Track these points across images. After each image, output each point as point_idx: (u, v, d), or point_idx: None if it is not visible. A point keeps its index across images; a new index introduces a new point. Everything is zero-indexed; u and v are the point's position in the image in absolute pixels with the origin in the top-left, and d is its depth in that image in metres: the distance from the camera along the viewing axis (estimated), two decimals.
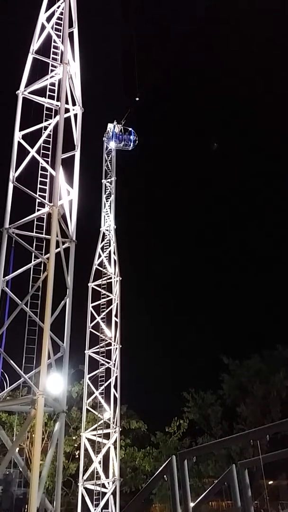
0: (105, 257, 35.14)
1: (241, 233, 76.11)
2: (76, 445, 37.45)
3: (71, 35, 24.02)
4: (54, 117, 22.49)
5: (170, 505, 22.33)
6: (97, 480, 30.34)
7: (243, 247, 73.09)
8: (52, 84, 23.05)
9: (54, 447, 19.07)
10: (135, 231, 57.00)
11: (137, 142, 38.23)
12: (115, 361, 32.66)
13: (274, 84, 58.95)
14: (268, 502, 35.24)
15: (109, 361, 32.59)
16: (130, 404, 41.67)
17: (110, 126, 38.00)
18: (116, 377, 32.30)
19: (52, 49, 23.56)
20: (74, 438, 37.90)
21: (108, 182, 37.10)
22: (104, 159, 37.60)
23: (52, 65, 23.26)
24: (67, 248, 21.28)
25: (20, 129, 22.52)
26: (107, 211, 36.34)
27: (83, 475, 30.69)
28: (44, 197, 21.37)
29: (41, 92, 23.01)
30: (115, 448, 31.26)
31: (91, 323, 33.33)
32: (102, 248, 35.38)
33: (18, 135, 22.34)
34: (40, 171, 21.93)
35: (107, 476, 30.80)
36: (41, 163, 21.92)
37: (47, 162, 21.92)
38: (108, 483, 30.53)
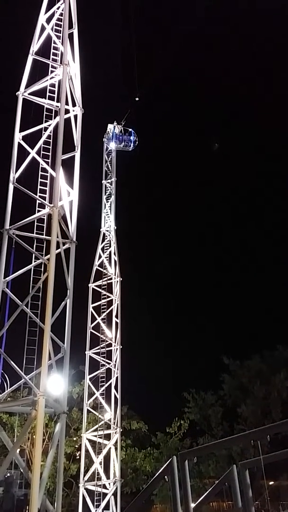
0: (106, 257, 35.15)
1: (242, 233, 76.16)
2: (77, 446, 37.46)
3: (71, 36, 24.01)
4: (54, 118, 22.48)
5: (171, 505, 22.32)
6: (98, 481, 30.34)
7: (244, 247, 73.20)
8: (52, 85, 23.05)
9: (55, 448, 19.05)
10: (135, 231, 57.07)
11: (137, 142, 38.24)
12: (115, 361, 32.66)
13: (274, 84, 58.97)
14: (269, 502, 35.25)
15: (109, 361, 32.59)
16: (130, 405, 41.73)
17: (110, 126, 38.00)
18: (117, 377, 32.29)
19: (52, 50, 23.55)
20: (75, 439, 37.91)
21: (108, 182, 37.11)
22: (104, 160, 37.60)
23: (52, 66, 23.26)
24: (67, 249, 21.27)
25: (20, 130, 22.51)
26: (107, 212, 36.34)
27: (84, 476, 30.69)
28: (44, 198, 21.37)
29: (41, 93, 23.01)
30: (116, 448, 31.26)
31: (91, 323, 33.33)
32: (102, 249, 35.38)
33: (18, 136, 22.34)
34: (40, 172, 21.92)
35: (108, 477, 30.80)
36: (41, 164, 21.91)
37: (47, 163, 21.91)
38: (109, 484, 30.53)
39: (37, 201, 21.36)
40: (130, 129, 38.20)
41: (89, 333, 33.13)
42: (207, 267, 70.33)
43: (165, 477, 22.18)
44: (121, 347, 32.96)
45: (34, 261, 20.82)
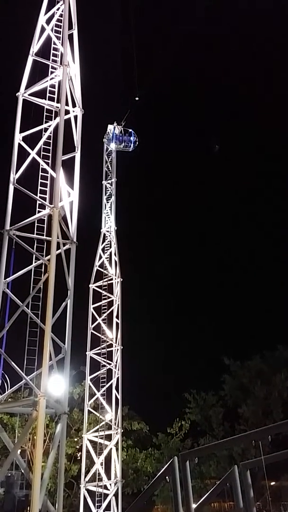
0: (106, 258, 35.15)
1: (242, 233, 76.16)
2: (78, 446, 37.43)
3: (70, 36, 24.02)
4: (54, 119, 22.48)
5: (172, 506, 22.33)
6: (99, 481, 30.33)
7: (244, 247, 73.09)
8: (52, 86, 23.05)
9: (55, 449, 19.04)
10: (135, 232, 57.05)
11: (137, 143, 38.26)
12: (116, 362, 32.65)
13: (274, 84, 58.97)
14: (270, 503, 35.21)
15: (110, 362, 32.58)
16: (131, 405, 41.65)
17: (110, 127, 38.00)
18: (118, 378, 32.28)
19: (52, 51, 23.56)
20: (75, 439, 37.87)
21: (108, 183, 37.11)
22: (104, 161, 37.61)
23: (52, 67, 23.26)
24: (67, 249, 21.26)
25: (21, 131, 22.52)
26: (107, 212, 36.35)
27: (85, 476, 30.70)
28: (44, 199, 21.37)
29: (41, 94, 23.01)
30: (117, 449, 31.25)
31: (92, 324, 33.33)
32: (103, 250, 35.38)
33: (18, 137, 22.35)
34: (40, 173, 21.92)
35: (109, 478, 30.78)
36: (42, 165, 21.91)
37: (47, 163, 21.91)
38: (110, 484, 30.51)
39: (38, 202, 21.36)
40: (130, 130, 38.23)
41: (89, 334, 33.13)
42: (207, 267, 70.30)
43: (166, 477, 22.20)
44: (121, 347, 32.96)
45: (35, 262, 20.83)
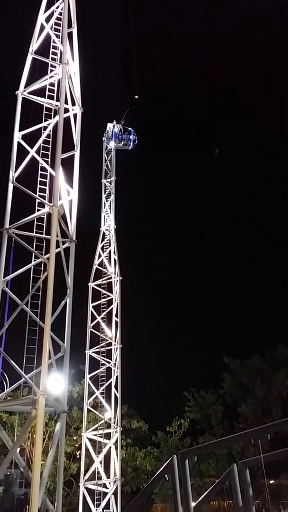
0: (105, 257, 35.16)
1: (242, 232, 76.17)
2: (77, 445, 37.45)
3: (70, 35, 24.00)
4: (54, 117, 22.47)
5: (172, 504, 22.34)
6: (98, 480, 30.36)
7: (244, 246, 73.07)
8: (52, 84, 23.04)
9: (55, 447, 19.05)
10: (135, 230, 57.02)
11: (136, 141, 38.25)
12: (115, 361, 32.68)
13: (274, 84, 58.94)
14: (269, 501, 35.25)
15: (109, 361, 32.60)
16: (131, 404, 41.71)
17: (109, 125, 38.01)
18: (117, 377, 32.31)
19: (51, 49, 23.54)
20: (75, 438, 37.90)
21: (108, 181, 37.11)
22: (104, 159, 37.61)
23: (52, 65, 23.24)
24: (67, 248, 21.26)
25: (20, 129, 22.49)
26: (107, 211, 36.35)
27: (84, 475, 30.72)
28: (44, 197, 21.36)
29: (40, 92, 22.99)
30: (116, 448, 31.28)
31: (91, 323, 33.35)
32: (102, 248, 35.40)
33: (17, 135, 22.33)
34: (40, 171, 21.91)
35: (108, 476, 30.81)
36: (41, 163, 21.90)
37: (46, 162, 21.90)
38: (109, 483, 30.54)
39: (37, 200, 21.35)
40: (129, 128, 38.23)
41: (89, 332, 33.15)
42: (207, 266, 70.26)
43: (166, 476, 22.21)
44: (121, 346, 33.00)
45: (34, 260, 20.82)
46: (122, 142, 37.83)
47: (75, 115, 23.55)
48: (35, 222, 21.17)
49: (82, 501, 30.01)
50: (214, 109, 65.83)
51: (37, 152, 22.04)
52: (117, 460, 31.00)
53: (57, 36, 23.60)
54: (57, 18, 23.85)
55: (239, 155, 69.08)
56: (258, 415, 39.67)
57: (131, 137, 38.01)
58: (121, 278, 34.64)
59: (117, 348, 32.94)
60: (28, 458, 28.28)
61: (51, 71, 23.13)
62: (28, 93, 22.97)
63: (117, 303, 33.97)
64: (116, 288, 34.46)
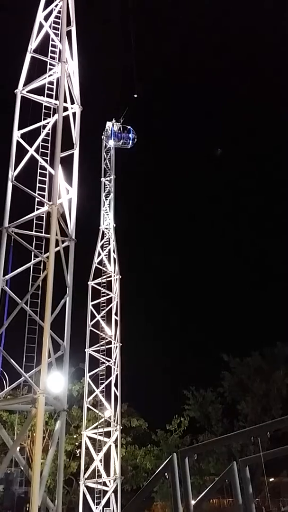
0: (105, 255, 35.14)
1: (242, 230, 76.17)
2: (77, 443, 37.48)
3: (69, 33, 23.95)
4: (53, 116, 22.43)
5: (171, 503, 22.37)
6: (98, 478, 30.38)
7: (244, 244, 73.14)
8: (51, 83, 23.00)
9: (55, 446, 19.07)
10: (134, 229, 57.06)
11: (136, 140, 38.20)
12: (115, 359, 32.68)
13: (274, 83, 58.86)
14: (269, 499, 35.31)
15: (109, 359, 32.61)
16: (130, 402, 41.76)
17: (108, 124, 37.95)
18: (117, 375, 32.32)
19: (50, 48, 23.50)
20: (75, 436, 37.92)
21: (107, 180, 37.08)
22: (103, 158, 37.57)
23: (51, 64, 23.20)
24: (66, 246, 21.25)
25: (19, 128, 22.47)
26: (106, 210, 36.33)
27: (84, 473, 30.74)
28: (43, 196, 21.34)
29: (39, 90, 22.96)
30: (116, 446, 31.30)
31: (91, 321, 33.34)
32: (101, 247, 35.38)
33: (17, 134, 22.30)
34: (39, 170, 21.89)
35: (108, 474, 30.84)
36: (40, 162, 21.88)
37: (46, 161, 21.86)
38: (109, 481, 30.56)
39: (36, 199, 21.33)
40: (128, 127, 38.18)
41: (88, 331, 33.14)
42: (206, 264, 70.29)
43: (166, 474, 22.25)
44: (120, 344, 33.00)
45: (34, 259, 20.82)
46: (122, 141, 37.80)
47: (74, 114, 23.53)
48: (35, 221, 21.15)
49: (82, 500, 30.03)
50: (214, 108, 65.87)
51: (36, 150, 22.02)
52: (117, 459, 31.03)
53: (56, 34, 23.55)
54: (56, 17, 23.80)
55: (239, 154, 69.13)
56: (258, 413, 39.74)
57: (130, 135, 37.97)
58: (120, 276, 34.65)
59: (116, 346, 32.95)
60: (28, 456, 28.31)
61: (50, 69, 23.09)
62: (27, 91, 22.94)
63: (117, 301, 33.97)
64: (116, 286, 34.46)
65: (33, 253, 20.73)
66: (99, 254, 35.12)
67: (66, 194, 22.11)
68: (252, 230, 72.35)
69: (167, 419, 41.39)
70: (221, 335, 55.26)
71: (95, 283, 34.36)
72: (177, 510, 21.46)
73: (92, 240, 35.53)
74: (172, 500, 21.72)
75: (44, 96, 22.84)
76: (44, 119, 22.63)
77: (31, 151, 21.93)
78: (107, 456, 31.27)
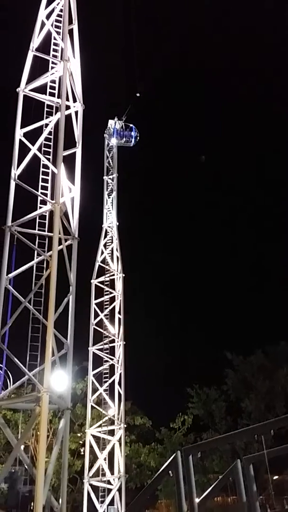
0: (108, 254, 35.14)
1: (243, 228, 76.08)
2: (81, 442, 37.50)
3: (71, 32, 23.94)
4: (55, 114, 22.45)
5: (176, 501, 22.36)
6: (103, 476, 30.41)
7: (246, 242, 73.05)
8: (53, 81, 23.02)
9: (59, 444, 19.11)
10: (137, 227, 56.99)
11: (138, 138, 38.17)
12: (119, 357, 32.70)
13: (274, 83, 58.73)
14: (273, 497, 35.27)
15: (113, 357, 32.63)
16: (134, 401, 41.72)
17: (111, 122, 37.93)
18: (120, 373, 32.34)
19: (52, 46, 23.51)
20: (79, 435, 37.94)
21: (109, 178, 37.06)
22: (105, 156, 37.55)
23: (53, 62, 23.21)
24: (69, 245, 21.27)
25: (21, 127, 22.49)
26: (109, 208, 36.31)
27: (89, 471, 30.76)
28: (46, 195, 21.36)
29: (41, 89, 22.98)
30: (120, 444, 31.32)
31: (94, 320, 33.34)
32: (104, 245, 35.37)
33: (19, 133, 22.32)
34: (41, 169, 21.91)
35: (112, 473, 30.87)
36: (43, 161, 21.89)
37: (48, 159, 21.89)
38: (114, 479, 30.60)
39: (39, 198, 21.36)
40: (131, 125, 38.14)
41: (92, 329, 33.14)
42: (209, 262, 70.19)
43: (170, 472, 22.20)
44: (124, 343, 33.00)
45: (36, 258, 20.84)
46: (124, 139, 37.78)
47: (76, 112, 23.53)
48: (37, 220, 21.20)
49: (87, 498, 30.05)
50: (214, 107, 65.73)
51: (39, 149, 22.04)
52: (121, 457, 31.05)
53: (58, 33, 23.56)
54: (58, 15, 23.81)
55: (239, 154, 69.04)
56: (262, 410, 39.68)
57: (132, 133, 37.94)
58: (123, 275, 34.64)
59: (120, 345, 32.96)
60: (32, 455, 28.30)
61: (52, 68, 23.11)
62: (29, 90, 22.96)
63: (120, 300, 33.97)
64: (119, 285, 34.45)
65: (36, 251, 20.76)
66: (102, 253, 35.11)
67: (69, 192, 22.13)
68: (255, 229, 72.29)
69: (171, 417, 41.38)
70: (224, 333, 55.23)
71: (98, 282, 34.37)
72: (181, 508, 21.43)
73: (95, 239, 35.56)
74: (176, 498, 21.68)
75: (46, 95, 22.87)
76: (47, 117, 22.65)
77: (34, 149, 21.94)
78: (111, 455, 31.30)
